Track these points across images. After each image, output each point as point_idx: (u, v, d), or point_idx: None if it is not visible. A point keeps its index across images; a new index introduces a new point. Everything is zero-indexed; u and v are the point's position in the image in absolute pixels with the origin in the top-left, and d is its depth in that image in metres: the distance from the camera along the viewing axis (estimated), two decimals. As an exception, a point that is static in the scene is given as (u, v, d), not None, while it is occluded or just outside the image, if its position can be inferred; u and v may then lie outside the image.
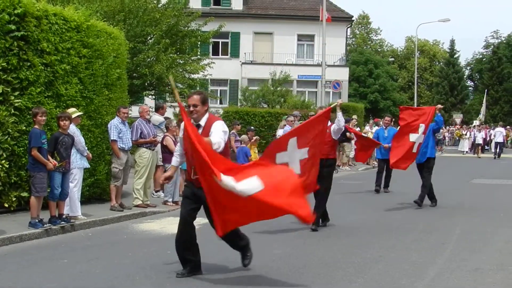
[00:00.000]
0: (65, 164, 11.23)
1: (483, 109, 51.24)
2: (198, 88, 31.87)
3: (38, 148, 10.70)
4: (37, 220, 10.88)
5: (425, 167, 15.48)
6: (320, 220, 12.18)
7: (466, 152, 43.31)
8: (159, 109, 16.68)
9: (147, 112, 14.84)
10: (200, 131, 7.90)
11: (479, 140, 41.31)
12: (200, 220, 12.19)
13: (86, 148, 12.48)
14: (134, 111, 27.14)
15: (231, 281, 7.89)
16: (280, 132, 20.73)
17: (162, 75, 27.02)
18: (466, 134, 44.64)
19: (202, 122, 8.05)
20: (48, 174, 10.99)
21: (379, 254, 9.65)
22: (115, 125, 13.71)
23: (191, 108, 8.03)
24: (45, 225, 10.96)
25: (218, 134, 7.79)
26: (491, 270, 8.69)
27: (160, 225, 12.30)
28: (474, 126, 46.42)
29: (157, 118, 16.17)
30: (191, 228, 8.06)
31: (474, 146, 42.74)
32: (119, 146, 13.70)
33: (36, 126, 10.92)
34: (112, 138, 13.65)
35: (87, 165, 12.63)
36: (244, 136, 18.81)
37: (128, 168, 14.20)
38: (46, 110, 11.50)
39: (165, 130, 15.59)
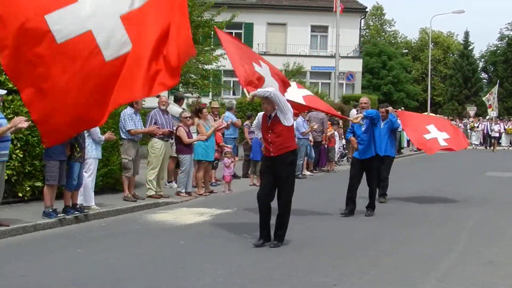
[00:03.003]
0: (83, 154, 11.32)
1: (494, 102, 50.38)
2: (211, 79, 31.89)
3: None
4: (51, 210, 10.93)
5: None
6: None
7: (476, 145, 42.67)
8: (179, 100, 16.69)
9: (162, 102, 14.79)
10: None
11: (496, 134, 40.65)
12: (213, 211, 12.27)
13: (102, 137, 12.46)
14: (148, 101, 27.27)
15: (245, 271, 7.90)
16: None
17: (175, 66, 27.00)
18: (478, 127, 43.92)
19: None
20: (67, 164, 11.06)
21: (392, 246, 9.64)
22: (129, 115, 13.75)
23: None
24: (59, 215, 11.01)
25: None
26: (504, 263, 8.66)
27: (173, 216, 12.32)
28: (490, 118, 45.80)
29: (176, 109, 16.13)
30: None
31: (488, 139, 42.10)
32: (129, 137, 13.74)
33: None
34: (128, 128, 13.68)
35: (100, 156, 12.67)
36: None
37: (139, 159, 14.22)
38: None
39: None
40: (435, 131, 15.18)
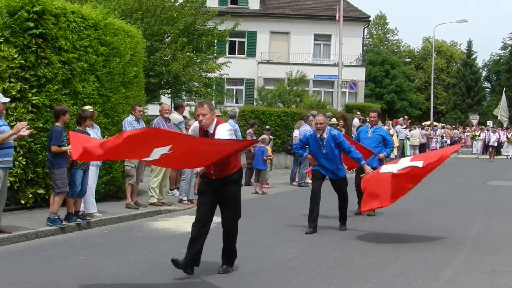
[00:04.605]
0: (86, 162, 11.31)
1: (502, 109, 49.61)
2: (214, 87, 32.05)
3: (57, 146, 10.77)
4: (56, 217, 10.92)
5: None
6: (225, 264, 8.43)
7: (479, 154, 41.95)
8: (178, 107, 16.71)
9: (166, 110, 14.83)
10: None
11: (494, 143, 40.26)
12: (215, 219, 12.23)
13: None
14: (151, 109, 27.33)
15: (247, 279, 7.89)
16: (296, 133, 20.63)
17: (178, 74, 27.14)
18: (479, 136, 43.46)
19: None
20: (69, 171, 11.07)
21: (394, 254, 9.62)
22: (129, 122, 13.78)
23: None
24: (63, 223, 10.99)
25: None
26: (507, 272, 8.63)
27: (175, 223, 12.32)
28: (488, 127, 45.46)
29: (176, 117, 16.15)
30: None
31: (487, 148, 41.65)
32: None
33: (58, 124, 10.94)
34: None
35: (99, 163, 12.60)
36: (264, 137, 18.71)
37: (142, 166, 14.22)
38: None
39: (185, 130, 15.58)
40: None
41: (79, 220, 11.40)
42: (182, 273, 7.95)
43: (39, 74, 12.30)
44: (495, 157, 39.27)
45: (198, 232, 8.08)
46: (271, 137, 19.22)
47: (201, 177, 8.47)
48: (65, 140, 10.87)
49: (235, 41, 46.52)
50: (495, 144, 40.06)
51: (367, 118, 27.78)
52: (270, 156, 18.63)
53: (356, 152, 11.79)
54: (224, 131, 7.93)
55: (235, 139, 8.35)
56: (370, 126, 14.31)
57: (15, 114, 11.90)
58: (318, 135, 11.67)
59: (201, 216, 8.12)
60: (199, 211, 8.19)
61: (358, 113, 31.11)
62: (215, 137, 7.81)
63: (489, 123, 49.13)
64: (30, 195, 12.34)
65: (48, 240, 10.44)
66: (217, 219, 10.10)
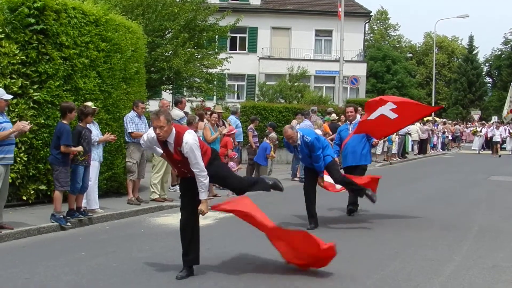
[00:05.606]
0: (87, 158, 11.30)
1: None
2: (215, 83, 32.05)
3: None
4: (61, 216, 10.91)
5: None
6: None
7: (480, 150, 41.57)
8: (178, 103, 16.70)
9: (166, 107, 14.80)
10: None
11: (497, 138, 39.89)
12: (218, 215, 12.25)
13: (96, 138, 12.22)
14: (152, 105, 27.32)
15: (248, 275, 7.89)
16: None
17: (180, 70, 27.14)
18: (480, 131, 43.19)
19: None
20: (70, 168, 11.06)
21: (396, 250, 9.62)
22: (130, 118, 13.75)
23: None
24: (68, 224, 10.97)
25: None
26: (508, 267, 8.63)
27: (177, 219, 12.12)
28: (492, 123, 45.32)
29: (177, 113, 16.14)
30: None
31: (491, 144, 41.43)
32: (133, 141, 13.71)
33: (65, 122, 10.91)
34: (129, 131, 13.67)
35: (100, 159, 12.55)
36: (273, 135, 18.61)
37: (144, 162, 14.22)
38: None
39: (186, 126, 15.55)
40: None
41: (81, 216, 11.41)
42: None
43: (40, 70, 12.30)
44: (499, 153, 38.98)
45: (185, 238, 8.03)
46: (277, 136, 19.15)
47: (180, 178, 8.28)
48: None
49: (236, 36, 46.45)
50: (498, 139, 39.84)
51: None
52: (273, 156, 18.60)
53: (320, 167, 11.49)
54: (192, 148, 7.51)
55: (199, 148, 7.63)
56: (349, 122, 13.78)
57: (16, 110, 11.91)
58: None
59: (186, 216, 8.07)
60: (182, 211, 8.15)
61: (360, 108, 31.11)
62: (184, 154, 7.50)
63: (494, 118, 48.85)
64: (32, 191, 12.35)
65: (50, 236, 10.45)
66: (219, 214, 10.11)
